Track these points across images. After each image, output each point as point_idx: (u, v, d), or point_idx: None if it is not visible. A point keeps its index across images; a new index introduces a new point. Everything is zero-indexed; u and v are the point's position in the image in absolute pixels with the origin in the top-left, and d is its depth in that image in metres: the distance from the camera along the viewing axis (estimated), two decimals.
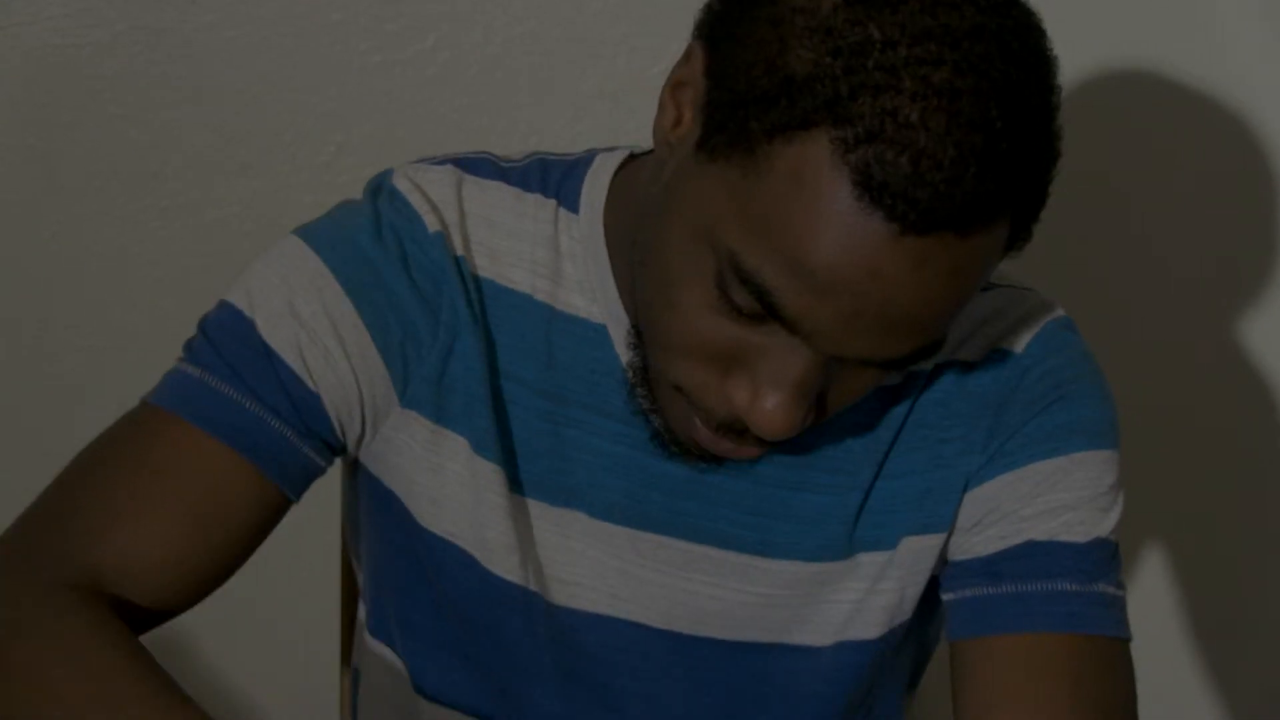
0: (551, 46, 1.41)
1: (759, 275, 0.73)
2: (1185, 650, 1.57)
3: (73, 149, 1.44)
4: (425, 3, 1.40)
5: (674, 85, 0.80)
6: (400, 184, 0.91)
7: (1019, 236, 0.76)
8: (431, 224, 0.89)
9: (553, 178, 0.93)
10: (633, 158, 0.93)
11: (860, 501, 0.93)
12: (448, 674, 1.00)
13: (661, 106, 0.80)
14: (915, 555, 0.94)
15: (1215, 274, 1.46)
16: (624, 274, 0.89)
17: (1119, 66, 1.38)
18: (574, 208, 0.92)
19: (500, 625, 0.96)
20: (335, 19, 1.40)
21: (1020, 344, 0.93)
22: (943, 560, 0.95)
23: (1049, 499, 0.91)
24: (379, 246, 0.89)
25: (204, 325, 0.90)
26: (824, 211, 0.71)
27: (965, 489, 0.93)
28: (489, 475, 0.91)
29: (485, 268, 0.91)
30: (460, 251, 0.90)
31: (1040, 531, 0.91)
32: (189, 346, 0.90)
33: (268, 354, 0.87)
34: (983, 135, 0.70)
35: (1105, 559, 0.92)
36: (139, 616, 0.87)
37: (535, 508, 0.93)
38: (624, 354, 0.89)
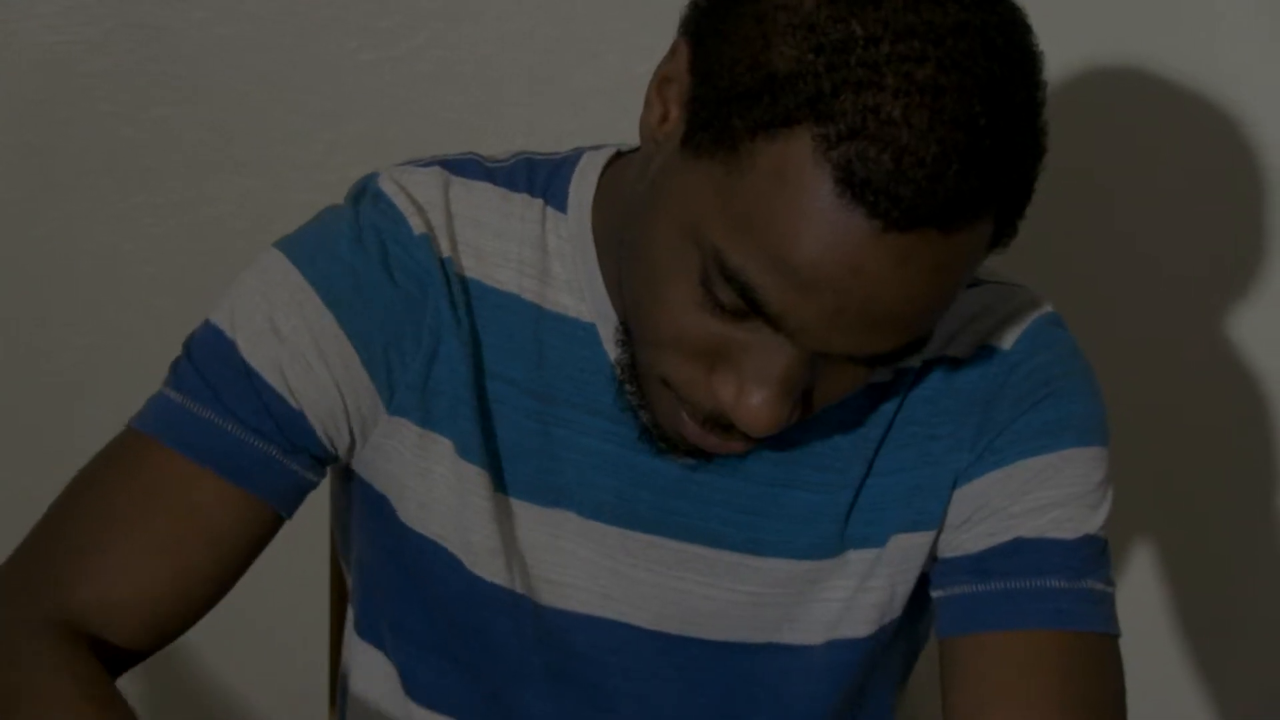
0: (544, 44, 1.41)
1: (742, 272, 0.74)
2: (1175, 646, 1.57)
3: (65, 146, 1.44)
4: (417, 0, 1.40)
5: (660, 81, 0.80)
6: (386, 186, 0.91)
7: (1004, 233, 0.77)
8: (417, 226, 0.89)
9: (539, 177, 0.93)
10: (619, 155, 0.93)
11: (851, 499, 0.93)
12: (439, 677, 1.00)
13: (648, 103, 0.80)
14: (905, 553, 0.94)
15: (1205, 270, 1.46)
16: (612, 272, 0.89)
17: (1107, 63, 1.38)
18: (561, 207, 0.92)
19: (488, 628, 0.96)
20: (327, 16, 1.40)
21: (1009, 341, 0.93)
22: (932, 557, 0.95)
23: (1038, 496, 0.91)
24: (360, 253, 0.89)
25: (188, 346, 0.90)
26: (806, 209, 0.71)
27: (954, 486, 0.93)
28: (473, 478, 0.91)
29: (472, 268, 0.91)
30: (447, 253, 0.90)
31: (1029, 529, 0.91)
32: (174, 368, 0.90)
33: (249, 374, 0.88)
34: (966, 132, 0.70)
35: (1094, 555, 0.92)
36: (127, 649, 0.88)
37: (525, 508, 0.93)
38: (612, 351, 0.89)
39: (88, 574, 0.87)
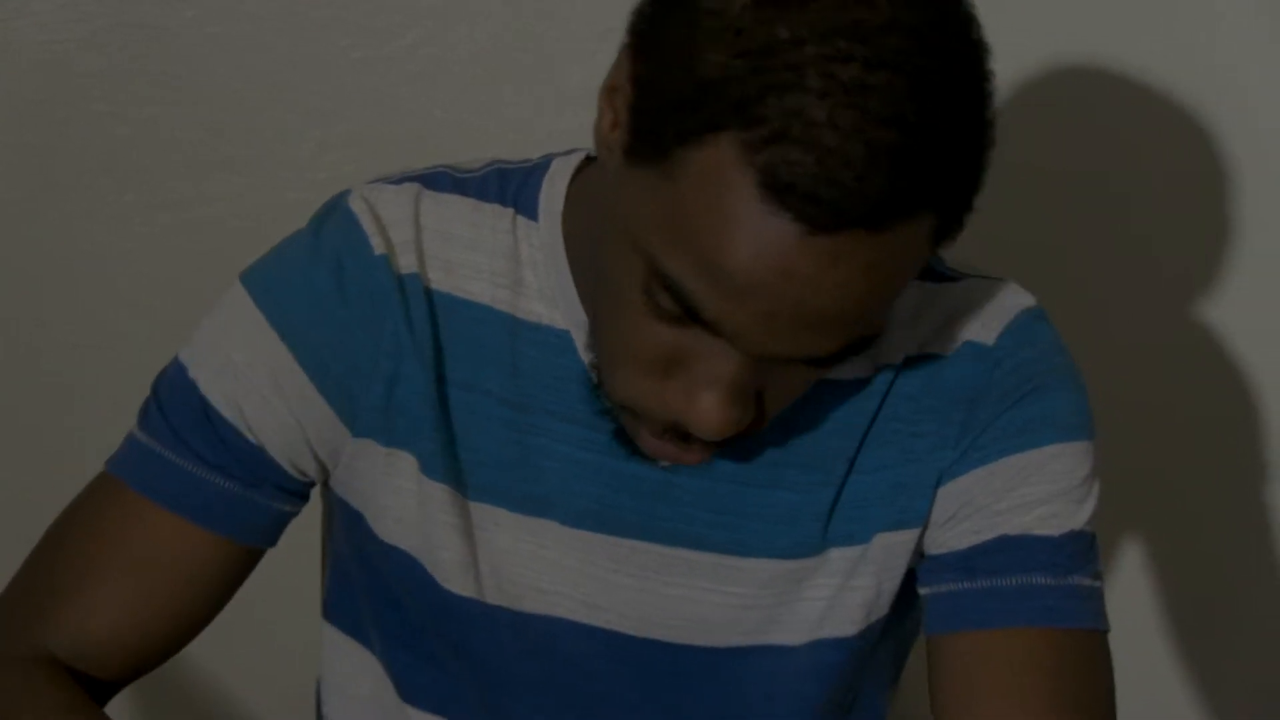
0: (537, 43, 1.41)
1: (677, 280, 0.73)
2: (1164, 641, 1.58)
3: (58, 146, 1.44)
4: None
5: (609, 90, 0.79)
6: (355, 205, 0.91)
7: (948, 228, 0.75)
8: (377, 246, 0.89)
9: (510, 186, 0.93)
10: (590, 160, 0.93)
11: (833, 497, 0.93)
12: (430, 681, 1.01)
13: (600, 109, 0.80)
14: (889, 551, 0.94)
15: (1193, 265, 1.46)
16: (584, 277, 0.89)
17: (1102, 62, 1.39)
18: (532, 215, 0.92)
19: (467, 640, 0.97)
20: (319, 15, 1.40)
21: (991, 336, 0.93)
22: (919, 555, 0.95)
23: (1022, 493, 0.91)
24: (314, 281, 0.89)
25: (157, 385, 0.92)
26: (732, 214, 0.70)
27: (938, 484, 0.93)
28: (438, 495, 0.92)
29: (442, 281, 0.91)
30: (413, 269, 0.90)
31: (1014, 526, 0.91)
32: (143, 409, 0.92)
33: (207, 412, 0.89)
34: (894, 131, 0.68)
35: (1081, 551, 0.92)
36: (103, 684, 0.91)
37: (504, 518, 0.93)
38: (586, 355, 0.89)
39: (64, 615, 0.90)
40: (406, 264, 0.90)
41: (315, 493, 0.98)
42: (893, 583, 0.95)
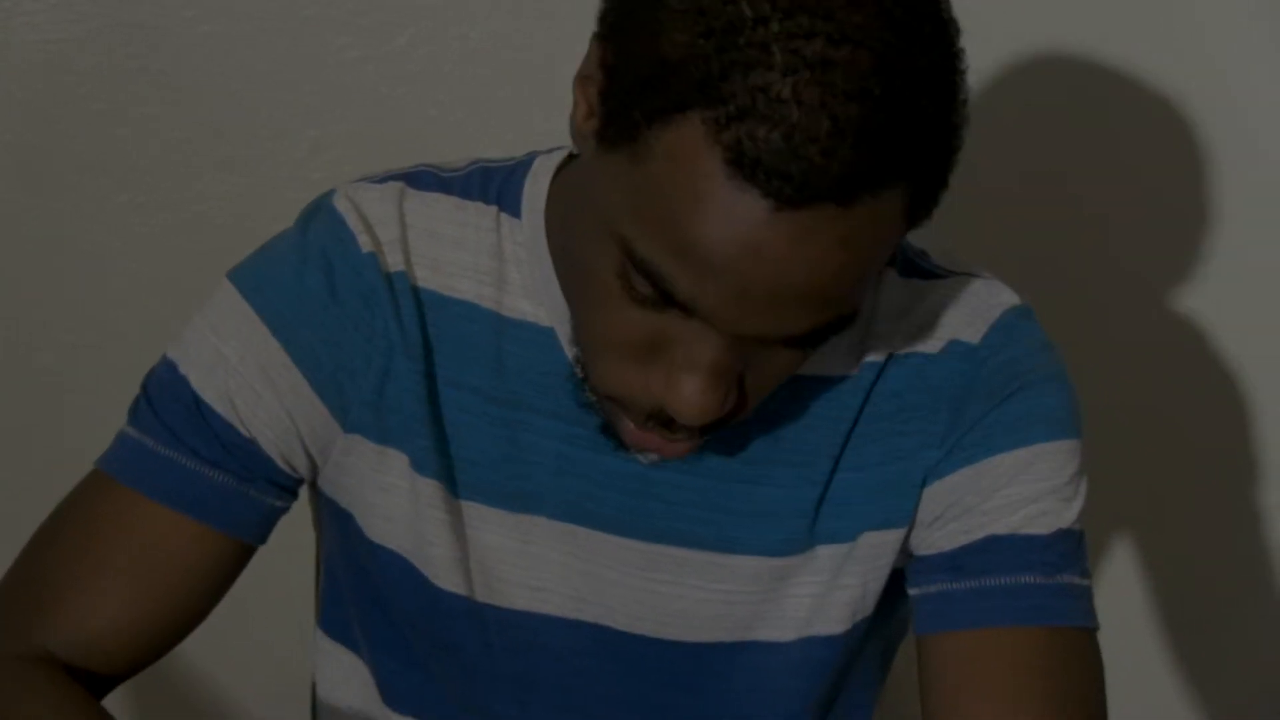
0: (531, 41, 1.41)
1: (650, 262, 0.73)
2: (1154, 639, 1.58)
3: (53, 145, 1.44)
4: None
5: (581, 79, 0.79)
6: (340, 204, 0.91)
7: (922, 205, 0.75)
8: (365, 244, 0.90)
9: (494, 184, 0.93)
10: (572, 157, 0.93)
11: (819, 495, 0.93)
12: (412, 685, 1.01)
13: (575, 101, 0.80)
14: (875, 550, 0.94)
15: (1184, 263, 1.46)
16: (565, 272, 0.89)
17: (1088, 61, 1.39)
18: (516, 212, 0.92)
19: (453, 638, 0.97)
20: (311, 14, 1.40)
21: (978, 335, 0.92)
22: (906, 554, 0.95)
23: (1009, 492, 0.91)
24: (305, 278, 0.90)
25: (146, 383, 0.92)
26: (700, 193, 0.70)
27: (924, 483, 0.93)
28: (429, 492, 0.92)
29: (427, 279, 0.91)
30: (400, 267, 0.90)
31: (1001, 525, 0.91)
32: (133, 407, 0.92)
33: (200, 407, 0.89)
34: (859, 105, 0.68)
35: (1069, 549, 0.92)
36: (101, 679, 0.91)
37: (493, 515, 0.93)
38: (569, 350, 0.89)
39: (60, 613, 0.89)
40: (394, 262, 0.90)
41: (306, 498, 0.98)
42: (878, 582, 0.95)
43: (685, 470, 0.92)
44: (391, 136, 1.43)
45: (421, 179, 0.93)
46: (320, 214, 0.92)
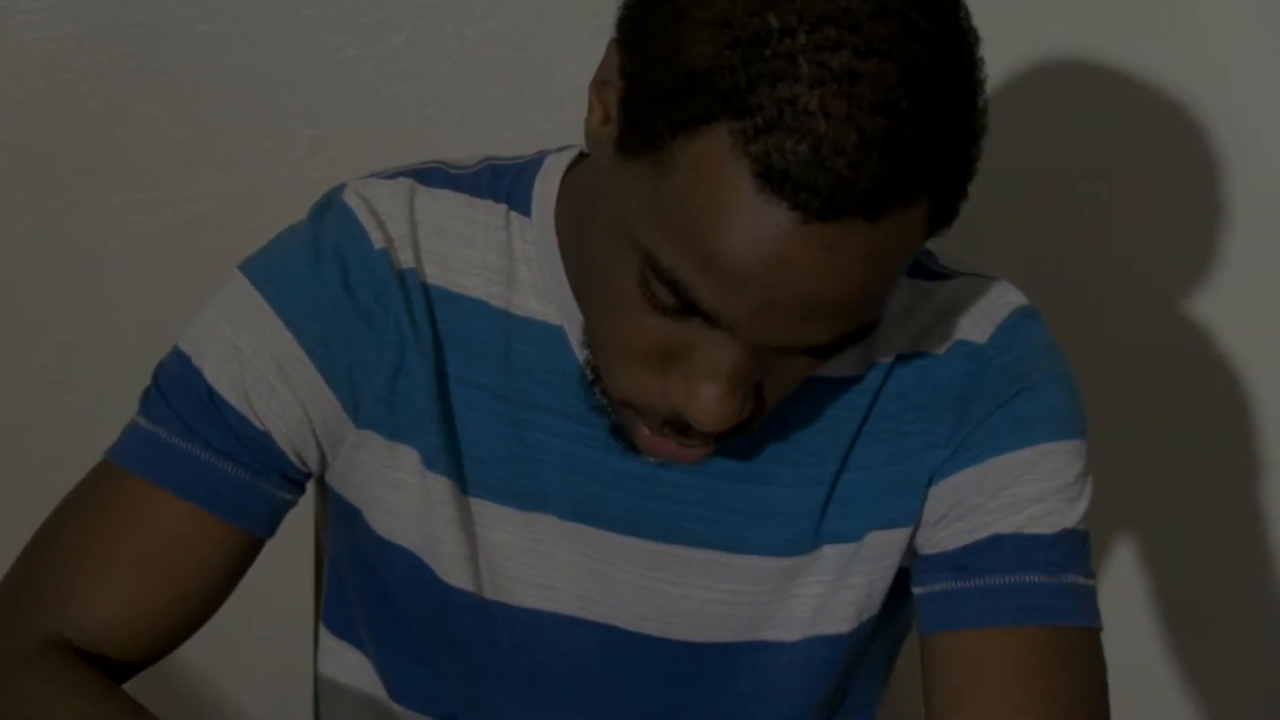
0: (524, 40, 1.41)
1: (674, 272, 0.73)
2: (1155, 639, 1.58)
3: (49, 143, 1.44)
4: None
5: (598, 85, 0.79)
6: (350, 199, 0.91)
7: (944, 215, 0.75)
8: (377, 240, 0.89)
9: (503, 182, 0.93)
10: (582, 156, 0.93)
11: (825, 495, 0.93)
12: (418, 681, 1.01)
13: (590, 105, 0.80)
14: (881, 549, 0.94)
15: (1188, 263, 1.46)
16: (577, 273, 0.89)
17: (1090, 61, 1.39)
18: (526, 211, 0.92)
19: (461, 635, 0.97)
20: (308, 13, 1.39)
21: (984, 335, 0.93)
22: (912, 553, 0.95)
23: (1014, 492, 0.91)
24: (319, 272, 0.89)
25: (157, 374, 0.92)
26: (727, 204, 0.70)
27: (930, 483, 0.93)
28: (440, 488, 0.92)
29: (437, 276, 0.91)
30: (410, 264, 0.90)
31: (1006, 525, 0.91)
32: (144, 397, 0.92)
33: (213, 398, 0.89)
34: (886, 118, 0.69)
35: (1074, 549, 0.92)
36: (121, 663, 0.90)
37: (501, 513, 0.93)
38: (580, 352, 0.89)
39: (70, 604, 0.89)
40: (405, 259, 0.90)
41: (305, 500, 0.98)
42: (884, 582, 0.95)
43: (692, 470, 0.92)
44: (389, 135, 1.43)
45: (431, 176, 0.93)
46: (332, 209, 0.91)
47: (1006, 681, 0.89)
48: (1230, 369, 1.48)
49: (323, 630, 1.07)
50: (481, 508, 0.93)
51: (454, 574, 0.94)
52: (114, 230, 1.47)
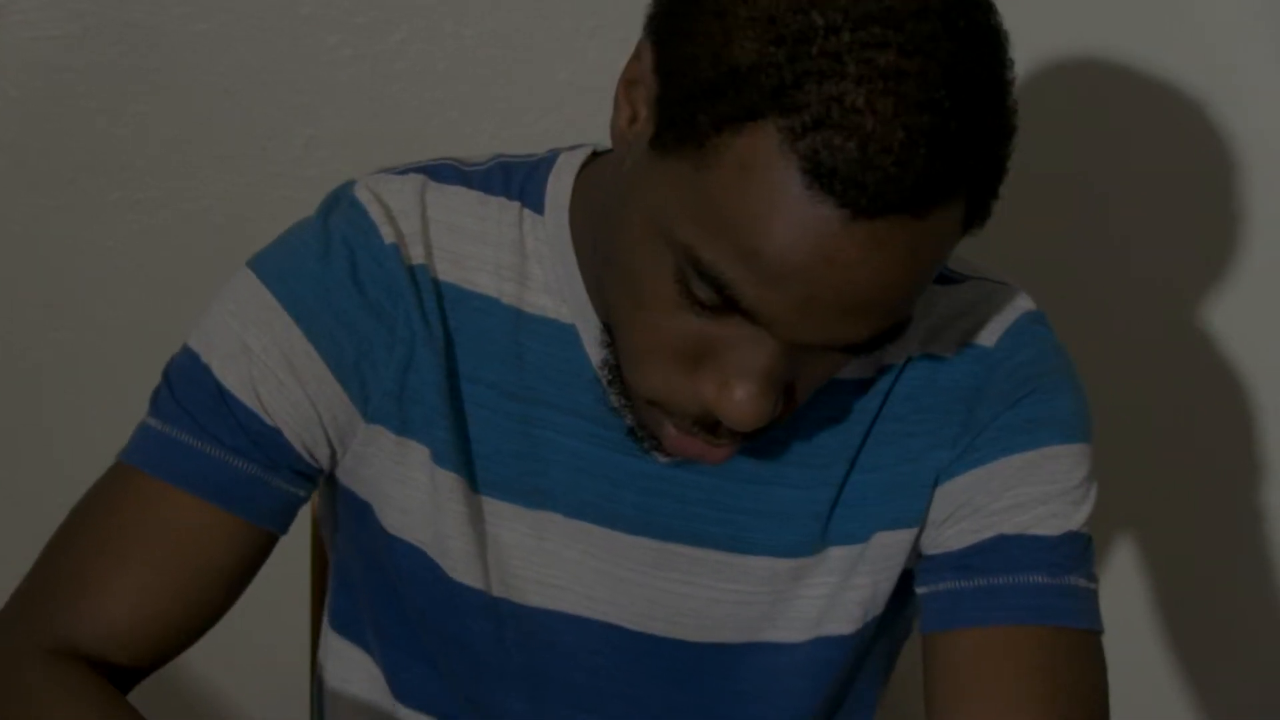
0: (522, 39, 1.41)
1: (715, 268, 0.73)
2: (1155, 639, 1.58)
3: (46, 142, 1.44)
4: None
5: (626, 83, 0.79)
6: (361, 195, 0.91)
7: (977, 213, 0.76)
8: (387, 235, 0.89)
9: (515, 180, 0.93)
10: (595, 155, 0.93)
11: (833, 496, 0.93)
12: (422, 680, 1.00)
13: (616, 105, 0.80)
14: (887, 550, 0.94)
15: (1192, 267, 1.46)
16: (591, 273, 0.89)
17: (1094, 62, 1.39)
18: (538, 209, 0.92)
19: (467, 632, 0.97)
20: (306, 13, 1.39)
21: (992, 338, 0.93)
22: (916, 554, 0.96)
23: (1019, 493, 0.91)
24: (328, 267, 0.89)
25: (167, 372, 0.92)
26: (774, 201, 0.71)
27: (936, 484, 0.93)
28: (449, 484, 0.92)
29: (448, 273, 0.91)
30: (420, 260, 0.90)
31: (1011, 526, 0.91)
32: (154, 396, 0.92)
33: (223, 396, 0.89)
34: (931, 116, 0.69)
35: (1077, 552, 0.92)
36: (126, 673, 0.90)
37: (509, 510, 0.93)
38: (596, 353, 0.89)
39: (85, 606, 0.88)
40: (415, 254, 0.90)
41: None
42: (889, 582, 0.95)
43: (700, 470, 0.92)
44: (387, 135, 1.42)
45: (442, 172, 0.93)
46: (341, 204, 0.91)
47: (1007, 680, 0.89)
48: (1231, 370, 1.48)
49: (327, 630, 1.07)
50: (490, 505, 0.93)
51: (462, 571, 0.94)
52: (111, 229, 1.47)
